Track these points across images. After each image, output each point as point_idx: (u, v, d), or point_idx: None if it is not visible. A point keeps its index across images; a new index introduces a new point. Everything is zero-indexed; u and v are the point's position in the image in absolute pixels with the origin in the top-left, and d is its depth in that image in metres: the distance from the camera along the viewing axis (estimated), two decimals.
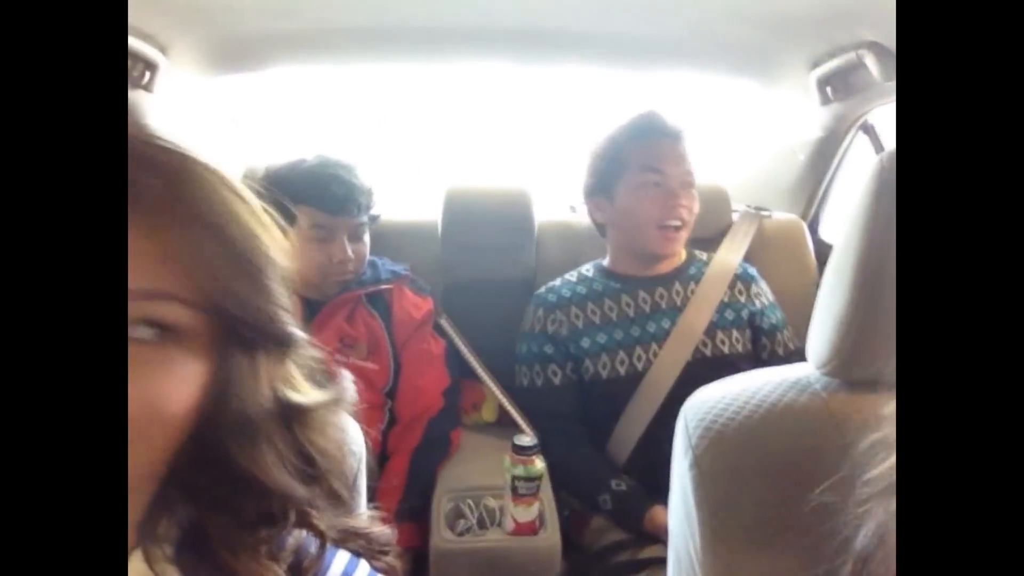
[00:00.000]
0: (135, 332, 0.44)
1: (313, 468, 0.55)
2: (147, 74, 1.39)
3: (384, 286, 1.57)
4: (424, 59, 1.72)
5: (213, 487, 0.51)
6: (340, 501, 0.58)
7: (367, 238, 1.56)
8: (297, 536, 0.56)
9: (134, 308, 0.44)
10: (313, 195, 1.44)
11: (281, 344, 0.53)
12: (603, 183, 1.55)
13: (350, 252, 1.48)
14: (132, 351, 0.44)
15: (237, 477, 0.51)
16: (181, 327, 0.46)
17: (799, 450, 0.69)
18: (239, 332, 0.50)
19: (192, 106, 1.60)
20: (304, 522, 0.55)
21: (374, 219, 1.59)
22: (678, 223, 1.49)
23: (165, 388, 0.45)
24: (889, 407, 0.53)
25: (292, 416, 0.54)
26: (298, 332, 0.54)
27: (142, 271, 0.44)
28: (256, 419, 0.51)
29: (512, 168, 2.17)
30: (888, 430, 0.54)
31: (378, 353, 1.53)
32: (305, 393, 0.56)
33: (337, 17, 1.48)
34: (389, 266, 1.62)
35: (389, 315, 1.56)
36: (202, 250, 0.46)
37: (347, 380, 0.60)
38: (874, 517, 0.53)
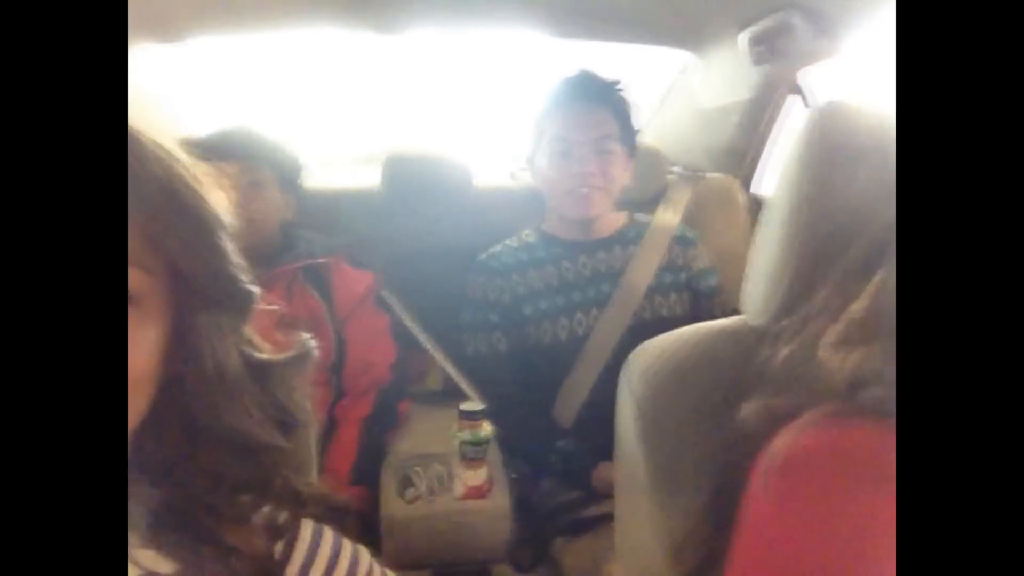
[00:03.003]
0: None
1: (289, 419, 0.56)
2: None
3: (320, 260, 1.55)
4: (356, 25, 1.69)
5: (194, 451, 0.51)
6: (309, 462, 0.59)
7: (273, 195, 1.51)
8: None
9: None
10: (207, 143, 1.42)
11: (242, 302, 0.53)
12: (530, 151, 1.56)
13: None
14: None
15: (216, 434, 0.51)
16: (139, 291, 0.46)
17: (732, 396, 0.71)
18: (200, 292, 0.49)
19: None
20: (284, 488, 0.55)
21: (288, 179, 1.56)
22: (586, 189, 1.48)
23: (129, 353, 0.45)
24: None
25: (262, 373, 0.54)
26: (256, 289, 0.54)
27: None
28: (229, 377, 0.51)
29: (450, 134, 2.15)
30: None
31: (318, 331, 1.51)
32: (268, 351, 0.56)
33: None
34: (325, 240, 1.60)
35: (329, 291, 1.54)
36: (153, 209, 0.46)
37: (308, 338, 0.60)
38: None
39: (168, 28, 1.55)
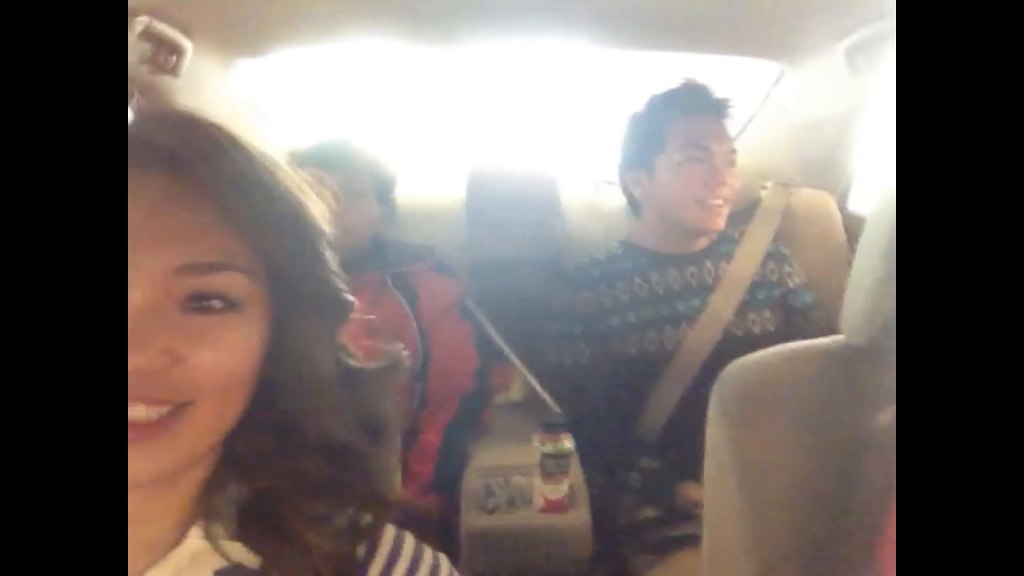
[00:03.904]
0: (199, 304, 0.46)
1: (379, 427, 0.56)
2: (173, 58, 1.39)
3: (407, 268, 1.57)
4: (447, 40, 1.71)
5: (283, 452, 0.52)
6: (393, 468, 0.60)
7: (371, 206, 1.54)
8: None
9: (197, 283, 0.45)
10: (309, 154, 1.45)
11: (340, 310, 0.54)
12: (641, 157, 1.53)
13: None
14: (197, 321, 0.45)
15: (307, 437, 0.52)
16: (242, 295, 0.47)
17: (833, 419, 0.69)
18: (299, 298, 0.51)
19: (218, 90, 1.61)
20: (368, 492, 0.56)
21: (385, 190, 1.59)
22: (719, 201, 1.47)
23: (229, 355, 0.47)
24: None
25: (354, 380, 0.55)
26: (352, 298, 0.55)
27: (200, 244, 0.45)
28: (323, 382, 0.52)
29: (537, 146, 2.15)
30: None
31: (404, 338, 1.53)
32: (360, 359, 0.57)
33: None
34: (413, 248, 1.63)
35: (415, 299, 1.57)
36: (255, 214, 0.47)
37: (401, 348, 0.61)
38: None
39: (252, 42, 1.60)
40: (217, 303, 0.46)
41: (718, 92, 1.51)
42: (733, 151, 1.50)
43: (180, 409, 0.45)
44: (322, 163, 1.43)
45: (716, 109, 1.50)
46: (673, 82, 1.53)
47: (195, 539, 0.51)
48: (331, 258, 0.53)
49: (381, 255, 1.57)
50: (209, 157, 0.46)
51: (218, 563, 0.51)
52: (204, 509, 0.52)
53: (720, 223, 1.50)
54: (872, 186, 1.84)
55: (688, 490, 1.34)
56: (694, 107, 1.49)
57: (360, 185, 1.52)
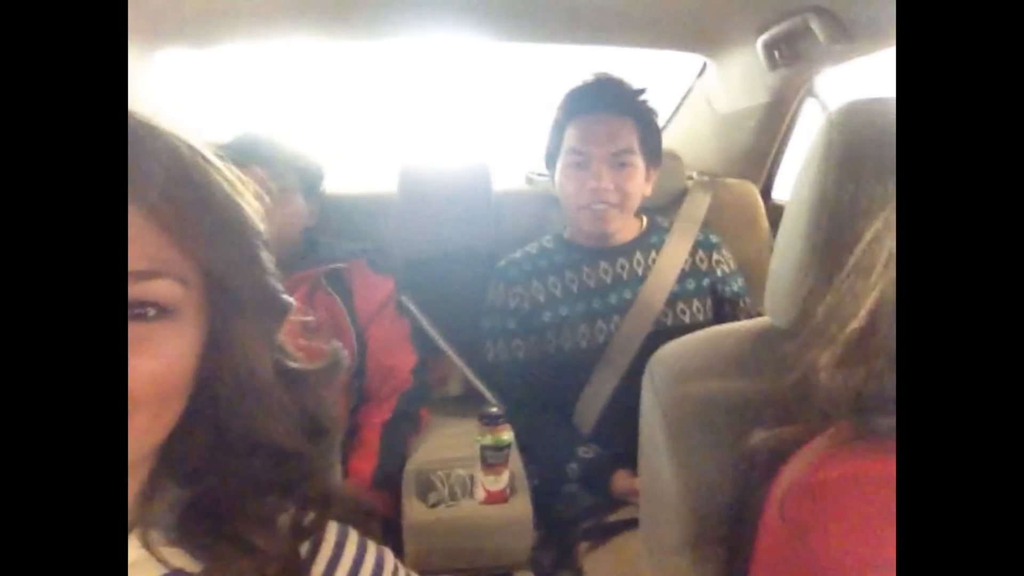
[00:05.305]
0: (132, 312, 0.44)
1: (319, 427, 0.56)
2: None
3: (342, 265, 1.55)
4: (372, 35, 1.70)
5: (223, 455, 0.52)
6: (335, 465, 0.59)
7: (299, 201, 1.52)
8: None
9: (128, 291, 0.44)
10: (231, 149, 1.41)
11: (277, 312, 0.54)
12: (551, 158, 1.55)
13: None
14: (130, 330, 0.44)
15: (247, 441, 0.52)
16: (175, 302, 0.46)
17: (762, 399, 0.71)
18: (236, 301, 0.50)
19: (141, 82, 1.56)
20: (311, 490, 0.56)
21: (312, 185, 1.57)
22: (601, 206, 1.46)
23: (164, 363, 0.46)
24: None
25: (293, 382, 0.55)
26: (290, 299, 0.54)
27: (134, 252, 0.44)
28: (261, 384, 0.52)
29: (469, 139, 2.16)
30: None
31: (340, 336, 1.52)
32: (299, 360, 0.56)
33: None
34: (346, 246, 1.61)
35: (350, 296, 1.55)
36: (191, 220, 0.46)
37: (340, 347, 0.60)
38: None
39: (175, 35, 1.56)
40: (150, 311, 0.45)
41: (618, 88, 1.49)
42: (622, 151, 1.46)
43: None
44: (245, 158, 1.40)
45: (612, 107, 1.47)
46: (579, 79, 1.52)
47: (132, 548, 0.50)
48: (267, 259, 0.52)
49: (313, 252, 1.54)
50: (136, 161, 0.44)
51: (158, 571, 0.50)
52: (141, 517, 0.51)
53: (604, 226, 1.49)
54: (791, 175, 1.91)
55: (620, 478, 1.36)
56: (583, 108, 1.48)
57: (285, 180, 1.49)
